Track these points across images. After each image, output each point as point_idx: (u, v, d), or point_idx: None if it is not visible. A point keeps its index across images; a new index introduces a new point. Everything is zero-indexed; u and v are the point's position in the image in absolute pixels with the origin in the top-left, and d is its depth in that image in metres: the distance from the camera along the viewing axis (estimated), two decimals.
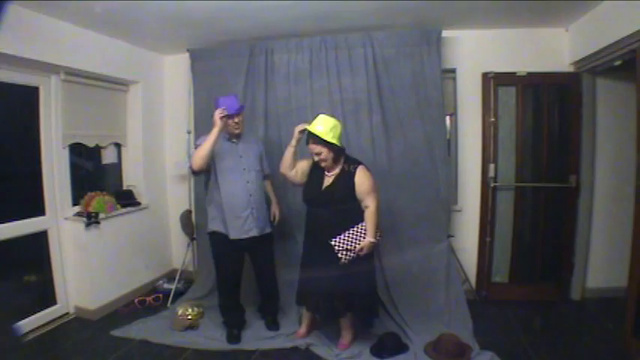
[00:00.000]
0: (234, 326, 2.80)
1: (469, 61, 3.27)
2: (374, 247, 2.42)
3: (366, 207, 2.38)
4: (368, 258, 2.46)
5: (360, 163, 2.45)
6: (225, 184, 2.62)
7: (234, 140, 2.70)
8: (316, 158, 2.43)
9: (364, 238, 2.36)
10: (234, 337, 2.74)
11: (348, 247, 2.35)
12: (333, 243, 2.35)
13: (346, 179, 2.41)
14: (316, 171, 2.52)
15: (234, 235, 2.63)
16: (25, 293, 2.97)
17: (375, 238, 2.39)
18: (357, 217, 2.40)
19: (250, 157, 2.71)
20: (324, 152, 2.38)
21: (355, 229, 2.37)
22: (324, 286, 2.44)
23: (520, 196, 3.29)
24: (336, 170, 2.45)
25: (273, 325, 2.87)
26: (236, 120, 2.62)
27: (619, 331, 2.55)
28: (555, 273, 3.28)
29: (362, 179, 2.38)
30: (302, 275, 2.62)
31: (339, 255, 2.36)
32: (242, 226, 2.62)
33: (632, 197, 2.45)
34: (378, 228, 2.43)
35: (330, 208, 2.44)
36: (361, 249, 2.35)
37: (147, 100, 3.72)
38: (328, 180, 2.47)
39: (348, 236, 2.36)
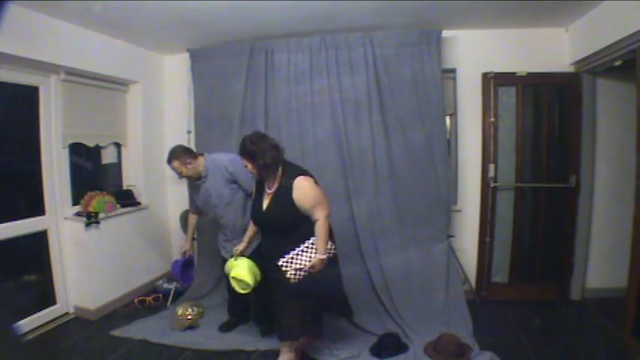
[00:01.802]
0: (234, 315, 2.88)
1: (469, 61, 3.27)
2: (324, 264, 2.18)
3: (316, 220, 2.15)
4: (330, 267, 2.24)
5: (298, 174, 2.18)
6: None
7: (199, 181, 2.69)
8: (247, 169, 2.26)
9: (315, 254, 2.16)
10: (229, 324, 2.84)
11: (298, 265, 2.16)
12: (280, 263, 2.17)
13: (285, 197, 2.15)
14: (260, 186, 2.32)
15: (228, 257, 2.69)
16: (24, 293, 2.97)
17: (327, 253, 2.18)
18: (308, 233, 2.18)
19: (218, 191, 2.65)
20: (249, 166, 2.19)
21: (305, 244, 2.18)
22: (281, 312, 2.27)
23: (520, 196, 3.28)
24: (275, 186, 2.21)
25: (268, 332, 2.77)
26: (183, 176, 2.66)
27: (619, 331, 2.55)
28: (555, 273, 3.28)
29: (301, 193, 2.14)
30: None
31: (288, 275, 2.16)
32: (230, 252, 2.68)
33: (632, 197, 2.44)
34: (332, 242, 2.24)
35: (275, 231, 2.24)
36: (312, 266, 2.15)
37: (147, 100, 3.72)
38: (267, 200, 2.24)
39: (297, 254, 2.17)
